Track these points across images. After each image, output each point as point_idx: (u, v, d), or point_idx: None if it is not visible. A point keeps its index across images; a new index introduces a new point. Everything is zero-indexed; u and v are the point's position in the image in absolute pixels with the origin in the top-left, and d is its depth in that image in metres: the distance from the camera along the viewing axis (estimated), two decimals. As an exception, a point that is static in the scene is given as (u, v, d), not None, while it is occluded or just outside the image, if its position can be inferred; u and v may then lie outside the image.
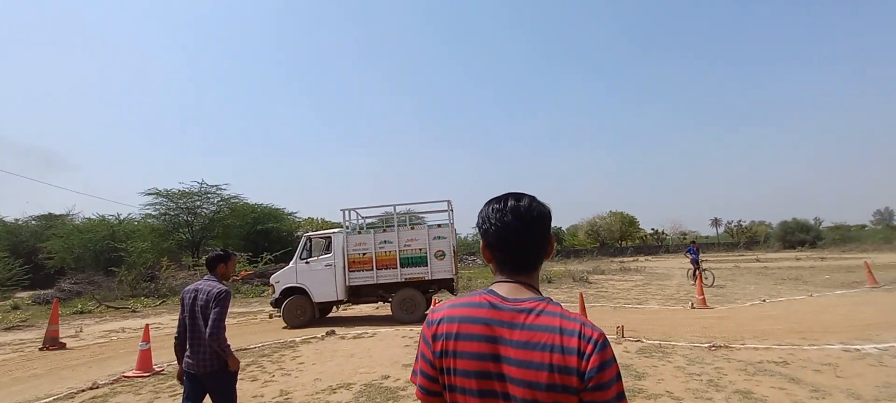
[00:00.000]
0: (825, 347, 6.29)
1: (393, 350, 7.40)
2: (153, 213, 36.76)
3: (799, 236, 49.42)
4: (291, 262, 11.23)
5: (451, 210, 11.08)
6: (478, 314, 1.02)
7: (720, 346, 6.52)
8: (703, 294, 10.93)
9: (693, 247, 16.96)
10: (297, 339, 8.83)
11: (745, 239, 61.55)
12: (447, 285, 10.82)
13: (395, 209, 11.24)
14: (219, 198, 39.76)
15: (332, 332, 9.20)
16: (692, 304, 10.91)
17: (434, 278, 10.49)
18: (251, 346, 8.32)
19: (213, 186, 38.83)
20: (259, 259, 34.04)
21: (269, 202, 44.96)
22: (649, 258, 46.28)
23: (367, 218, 12.92)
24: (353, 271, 10.78)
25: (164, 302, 20.02)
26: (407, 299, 10.56)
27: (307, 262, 11.03)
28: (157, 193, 36.83)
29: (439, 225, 10.80)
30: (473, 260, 36.91)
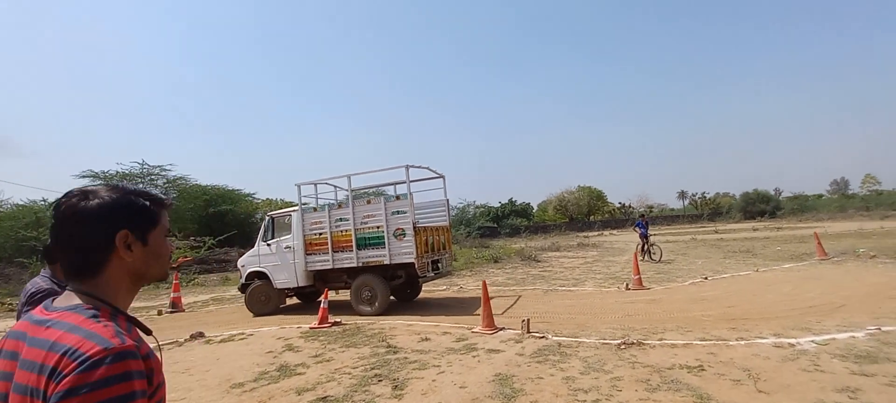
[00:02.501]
0: (755, 341, 5.17)
1: (244, 360, 5.97)
2: (91, 198, 34.11)
3: (759, 206, 50.11)
4: (255, 245, 10.02)
5: (409, 179, 8.86)
6: (19, 327, 0.94)
7: (632, 343, 5.34)
8: (638, 273, 9.85)
9: (642, 221, 16.03)
10: (150, 345, 7.30)
11: (708, 210, 62.34)
12: (411, 271, 8.70)
13: (349, 180, 9.22)
14: (164, 180, 37.24)
15: (200, 335, 7.71)
16: (627, 285, 9.84)
17: (394, 262, 8.55)
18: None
19: (155, 167, 36.21)
20: (202, 243, 31.95)
21: (223, 183, 42.43)
22: (614, 232, 46.05)
23: (334, 193, 11.19)
24: (311, 254, 9.27)
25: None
26: (364, 287, 8.78)
27: (268, 245, 9.77)
28: (94, 176, 34.10)
29: (397, 198, 8.79)
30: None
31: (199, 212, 38.28)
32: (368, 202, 9.05)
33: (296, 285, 9.53)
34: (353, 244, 8.79)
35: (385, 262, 8.55)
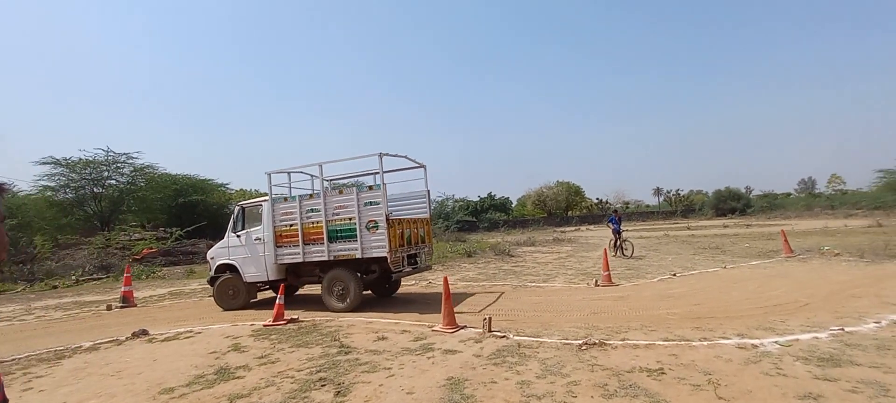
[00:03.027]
0: (719, 342, 5.01)
1: (183, 362, 5.54)
2: (51, 186, 32.53)
3: (731, 204, 51.26)
4: (225, 236, 9.57)
5: (383, 168, 8.16)
6: None
7: (594, 344, 5.11)
8: (608, 270, 9.71)
9: (614, 217, 16.01)
10: (86, 344, 6.79)
11: (682, 207, 63.52)
12: (383, 266, 8.21)
13: (321, 168, 8.76)
14: (130, 168, 35.80)
15: (143, 332, 7.20)
16: (596, 281, 9.69)
17: (366, 256, 8.03)
18: (11, 358, 6.21)
19: (121, 154, 34.78)
20: (169, 234, 30.83)
21: (195, 173, 41.04)
22: (591, 227, 46.46)
23: (310, 183, 10.61)
24: (281, 247, 8.77)
25: (29, 287, 17.04)
26: (335, 282, 8.33)
27: (238, 236, 9.33)
28: (55, 162, 32.50)
29: (370, 188, 8.24)
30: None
31: (169, 202, 37.06)
32: (340, 192, 8.52)
33: (266, 279, 9.06)
34: (325, 236, 8.30)
35: (357, 256, 8.07)
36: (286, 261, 8.79)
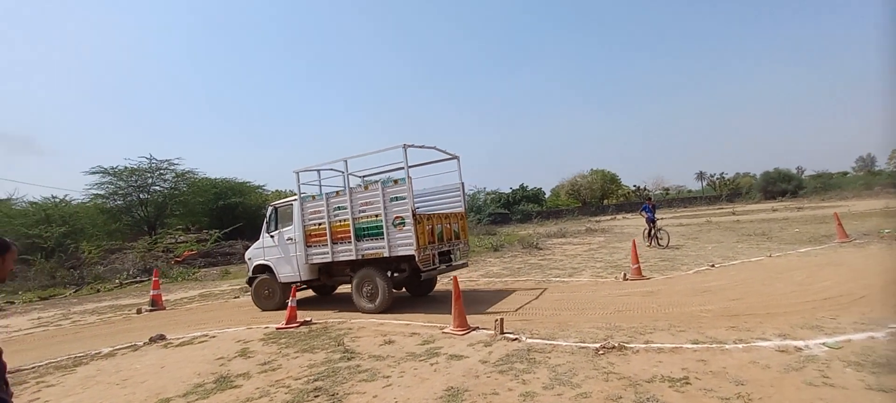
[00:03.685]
0: (756, 344, 4.44)
1: (189, 368, 5.47)
2: (101, 194, 34.48)
3: (781, 186, 48.28)
4: (260, 237, 9.58)
5: (407, 161, 7.56)
6: None
7: (613, 347, 4.65)
8: (637, 262, 9.09)
9: (648, 205, 15.14)
10: (106, 350, 6.90)
11: (727, 191, 60.37)
12: (413, 264, 7.62)
13: (346, 164, 8.44)
14: (173, 174, 37.47)
15: (161, 337, 7.27)
16: (625, 275, 9.10)
17: (394, 254, 7.59)
18: (32, 365, 6.37)
19: (163, 161, 36.48)
20: (209, 236, 31.98)
21: (233, 176, 42.50)
22: (627, 216, 44.81)
23: (342, 180, 9.99)
24: (311, 246, 8.58)
25: (76, 291, 17.99)
26: (365, 282, 8.00)
27: (272, 236, 9.30)
28: (104, 172, 34.40)
29: (395, 182, 7.74)
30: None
31: (209, 205, 38.46)
32: (366, 188, 8.08)
33: (299, 279, 8.90)
34: (352, 235, 7.96)
35: (384, 254, 7.65)
36: (316, 261, 8.57)
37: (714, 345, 4.50)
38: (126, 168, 34.34)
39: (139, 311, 10.63)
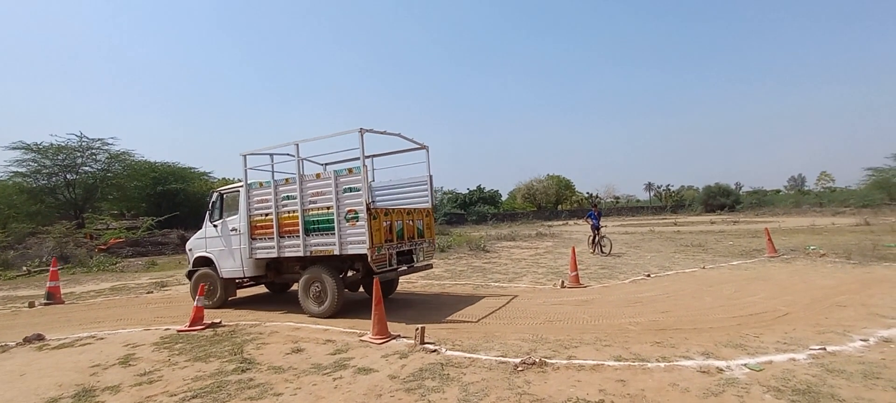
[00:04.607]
0: (679, 363, 4.22)
1: (50, 379, 4.66)
2: (22, 171, 31.28)
3: (720, 200, 50.97)
4: (203, 226, 8.63)
5: (363, 148, 6.64)
6: None
7: (533, 363, 4.31)
8: (575, 270, 8.93)
9: (593, 212, 15.23)
10: (-37, 352, 5.89)
11: (672, 202, 63.18)
12: (364, 264, 7.02)
13: (298, 148, 7.32)
14: (106, 155, 34.54)
15: (38, 337, 6.31)
16: (563, 282, 8.92)
17: (345, 252, 6.76)
18: None
19: (95, 140, 33.51)
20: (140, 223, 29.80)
21: (175, 161, 39.84)
22: (579, 221, 45.76)
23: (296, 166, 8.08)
24: (256, 239, 7.66)
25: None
26: (313, 282, 7.16)
27: (215, 226, 8.38)
28: (26, 148, 31.22)
29: (349, 171, 6.81)
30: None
31: (147, 190, 35.90)
32: (318, 176, 7.16)
33: (242, 274, 8.07)
34: (300, 228, 7.12)
35: (335, 252, 6.83)
36: (261, 256, 7.72)
37: (636, 363, 4.25)
38: (52, 145, 31.33)
39: (32, 305, 9.40)
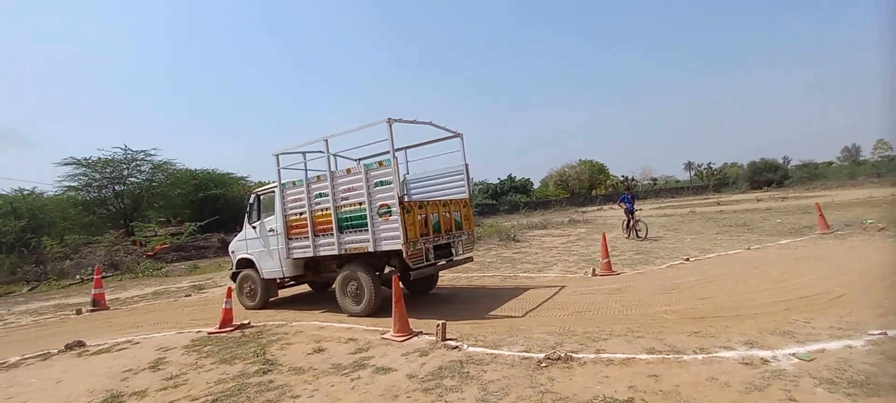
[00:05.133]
0: (719, 354, 3.89)
1: (85, 384, 4.81)
2: (75, 186, 33.34)
3: (767, 176, 48.26)
4: (242, 228, 8.71)
5: (393, 140, 6.26)
6: None
7: (558, 358, 4.08)
8: (607, 256, 8.55)
9: (627, 195, 14.63)
10: (14, 358, 6.20)
11: (714, 181, 60.37)
12: (400, 260, 6.59)
13: (327, 144, 7.05)
14: (149, 165, 36.35)
15: (79, 344, 6.57)
16: (593, 270, 8.57)
17: (379, 249, 6.47)
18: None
19: (139, 152, 35.27)
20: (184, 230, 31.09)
21: (214, 167, 41.47)
22: (614, 206, 44.45)
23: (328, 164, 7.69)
24: (292, 239, 7.57)
25: (33, 288, 17.13)
26: (349, 281, 6.95)
27: (254, 227, 8.41)
28: (77, 163, 33.20)
29: (380, 164, 6.44)
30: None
31: (189, 197, 37.49)
32: (349, 171, 6.91)
33: (282, 274, 8.02)
34: (334, 226, 6.89)
35: (369, 249, 6.54)
36: (298, 256, 7.59)
37: (671, 356, 3.94)
38: (100, 159, 33.19)
39: (79, 312, 9.89)
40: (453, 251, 7.38)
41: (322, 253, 7.22)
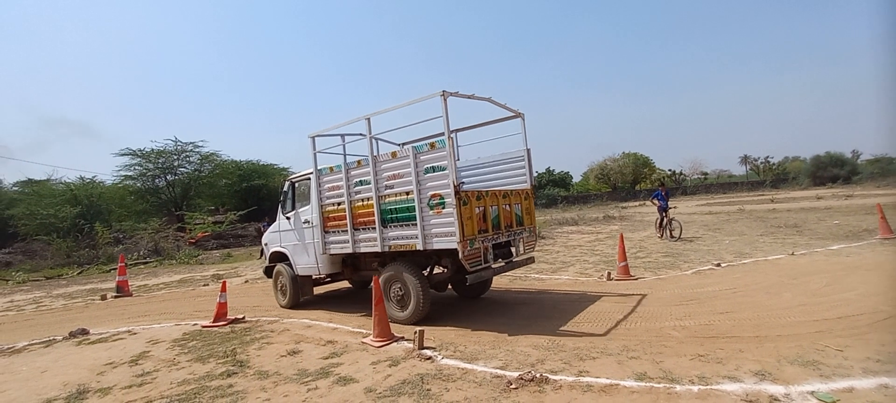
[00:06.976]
0: (719, 386, 3.30)
1: (64, 376, 4.81)
2: (130, 175, 35.63)
3: (832, 171, 44.46)
4: (277, 218, 8.04)
5: (447, 117, 5.23)
6: None
7: (532, 379, 3.62)
8: (624, 259, 7.87)
9: (661, 192, 13.65)
10: (22, 343, 6.42)
11: (772, 176, 56.29)
12: (455, 260, 5.64)
13: (369, 123, 6.11)
14: (198, 156, 38.33)
15: (82, 332, 6.73)
16: (609, 274, 7.91)
17: (430, 247, 5.51)
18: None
19: (188, 143, 37.23)
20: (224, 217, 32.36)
21: (258, 158, 43.17)
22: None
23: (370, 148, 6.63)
24: (329, 232, 6.74)
25: (82, 271, 18.27)
26: (393, 282, 6.00)
27: (288, 218, 7.71)
28: (132, 154, 35.43)
29: (432, 146, 5.45)
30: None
31: (234, 187, 39.18)
32: (394, 155, 5.89)
33: (318, 272, 7.26)
34: (377, 219, 5.99)
35: (417, 247, 5.58)
36: (336, 251, 6.76)
37: (661, 385, 3.39)
38: (152, 150, 35.26)
39: (104, 297, 10.30)
40: (513, 250, 6.40)
41: (362, 250, 6.35)
